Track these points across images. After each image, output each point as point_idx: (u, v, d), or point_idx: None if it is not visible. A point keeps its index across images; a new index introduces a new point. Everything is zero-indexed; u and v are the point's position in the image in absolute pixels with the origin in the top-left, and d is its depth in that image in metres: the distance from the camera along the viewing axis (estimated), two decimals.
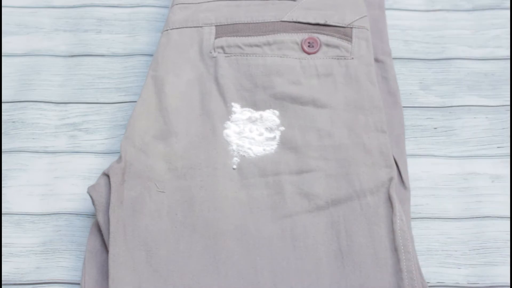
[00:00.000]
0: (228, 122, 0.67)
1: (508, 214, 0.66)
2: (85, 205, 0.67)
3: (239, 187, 0.63)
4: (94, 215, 0.65)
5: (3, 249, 0.64)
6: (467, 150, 0.70)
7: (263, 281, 0.58)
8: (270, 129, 0.67)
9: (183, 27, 0.73)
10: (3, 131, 0.71)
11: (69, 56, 0.77)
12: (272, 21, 0.72)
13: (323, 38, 0.71)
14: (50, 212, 0.66)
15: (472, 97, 0.73)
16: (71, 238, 0.65)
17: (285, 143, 0.66)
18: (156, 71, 0.70)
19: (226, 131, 0.67)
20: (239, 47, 0.71)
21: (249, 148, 0.65)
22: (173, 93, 0.69)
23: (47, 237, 0.65)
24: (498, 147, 0.70)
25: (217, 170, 0.64)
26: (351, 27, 0.72)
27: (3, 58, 0.77)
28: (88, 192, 0.64)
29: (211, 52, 0.71)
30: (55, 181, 0.68)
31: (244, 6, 0.74)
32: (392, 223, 0.60)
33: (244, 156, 0.65)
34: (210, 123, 0.67)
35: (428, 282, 0.61)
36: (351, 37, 0.71)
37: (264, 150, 0.66)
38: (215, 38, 0.72)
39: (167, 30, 0.73)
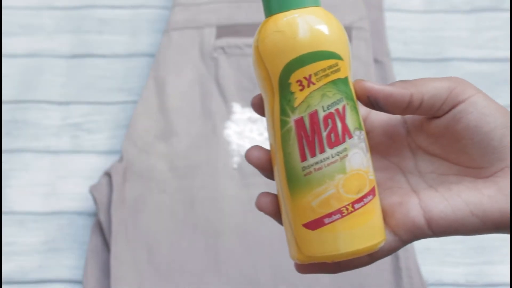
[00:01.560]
0: (229, 122, 0.68)
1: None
2: (87, 204, 0.67)
3: (240, 186, 0.64)
4: (96, 214, 0.66)
5: (6, 248, 0.64)
6: None
7: (263, 279, 0.59)
8: None
9: (184, 28, 0.74)
10: (6, 131, 0.72)
11: (71, 56, 0.78)
12: None
13: None
14: (52, 211, 0.66)
15: None
16: (73, 237, 0.65)
17: None
18: (157, 72, 0.71)
19: (226, 131, 0.67)
20: (240, 47, 0.71)
21: None
22: (174, 93, 0.69)
23: (49, 236, 0.65)
24: None
25: (218, 170, 0.64)
26: (351, 28, 0.72)
27: (6, 59, 0.77)
28: (90, 192, 0.64)
29: (211, 53, 0.72)
30: (57, 181, 0.68)
31: (244, 7, 0.74)
32: None
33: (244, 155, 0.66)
34: (211, 123, 0.67)
35: (426, 281, 0.61)
36: (350, 38, 0.72)
37: None
38: (216, 38, 0.72)
39: (168, 31, 0.74)
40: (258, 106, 0.39)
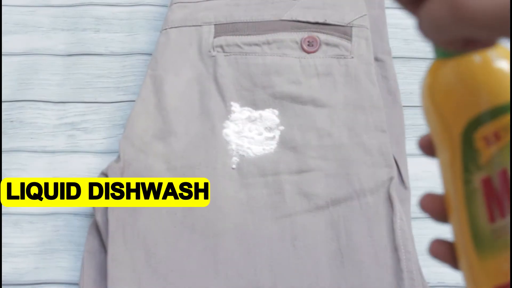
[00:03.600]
0: (228, 122, 0.67)
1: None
2: None
3: (239, 186, 0.63)
4: (92, 215, 0.65)
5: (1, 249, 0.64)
6: None
7: (262, 281, 0.58)
8: (270, 129, 0.67)
9: (182, 26, 0.73)
10: (1, 130, 0.71)
11: (67, 55, 0.77)
12: (272, 20, 0.72)
13: (322, 37, 0.71)
14: (48, 212, 0.66)
15: None
16: (70, 238, 0.64)
17: (285, 143, 0.65)
18: (155, 70, 0.70)
19: (225, 131, 0.66)
20: (238, 46, 0.71)
21: (249, 148, 0.65)
22: (172, 92, 0.68)
23: (45, 237, 0.64)
24: None
25: (216, 170, 0.64)
26: (351, 26, 0.72)
27: (1, 57, 0.77)
28: None
29: (210, 51, 0.71)
30: None
31: (243, 5, 0.74)
32: (392, 222, 0.60)
33: (243, 155, 0.65)
34: (209, 122, 0.67)
35: (428, 282, 0.61)
36: (351, 36, 0.71)
37: (263, 149, 0.65)
38: (214, 37, 0.72)
39: (166, 29, 0.73)
40: (428, 149, 0.36)
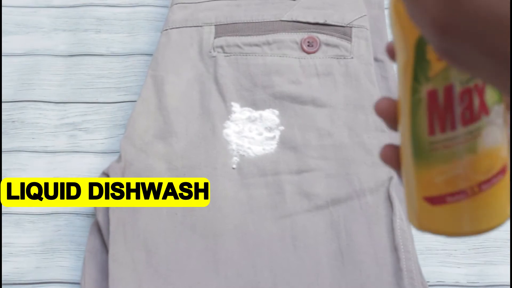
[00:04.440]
0: (228, 122, 0.67)
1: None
2: None
3: (239, 186, 0.63)
4: (94, 215, 0.65)
5: (3, 249, 0.64)
6: None
7: (263, 281, 0.58)
8: (270, 129, 0.67)
9: (182, 27, 0.73)
10: (2, 130, 0.71)
11: (68, 55, 0.77)
12: (272, 21, 0.72)
13: (322, 37, 0.71)
14: (49, 212, 0.66)
15: None
16: (71, 237, 0.64)
17: (285, 143, 0.65)
18: (155, 71, 0.70)
19: (225, 131, 0.66)
20: (239, 46, 0.71)
21: (249, 148, 0.65)
22: (173, 92, 0.69)
23: (46, 236, 0.64)
24: None
25: (216, 170, 0.64)
26: (351, 27, 0.72)
27: (2, 58, 0.77)
28: None
29: (210, 52, 0.71)
30: None
31: (243, 5, 0.74)
32: (392, 222, 0.60)
33: (243, 155, 0.65)
34: (209, 122, 0.67)
35: (428, 282, 0.61)
36: (350, 37, 0.71)
37: (263, 149, 0.65)
38: (215, 37, 0.72)
39: (166, 29, 0.73)
40: (392, 53, 0.36)
